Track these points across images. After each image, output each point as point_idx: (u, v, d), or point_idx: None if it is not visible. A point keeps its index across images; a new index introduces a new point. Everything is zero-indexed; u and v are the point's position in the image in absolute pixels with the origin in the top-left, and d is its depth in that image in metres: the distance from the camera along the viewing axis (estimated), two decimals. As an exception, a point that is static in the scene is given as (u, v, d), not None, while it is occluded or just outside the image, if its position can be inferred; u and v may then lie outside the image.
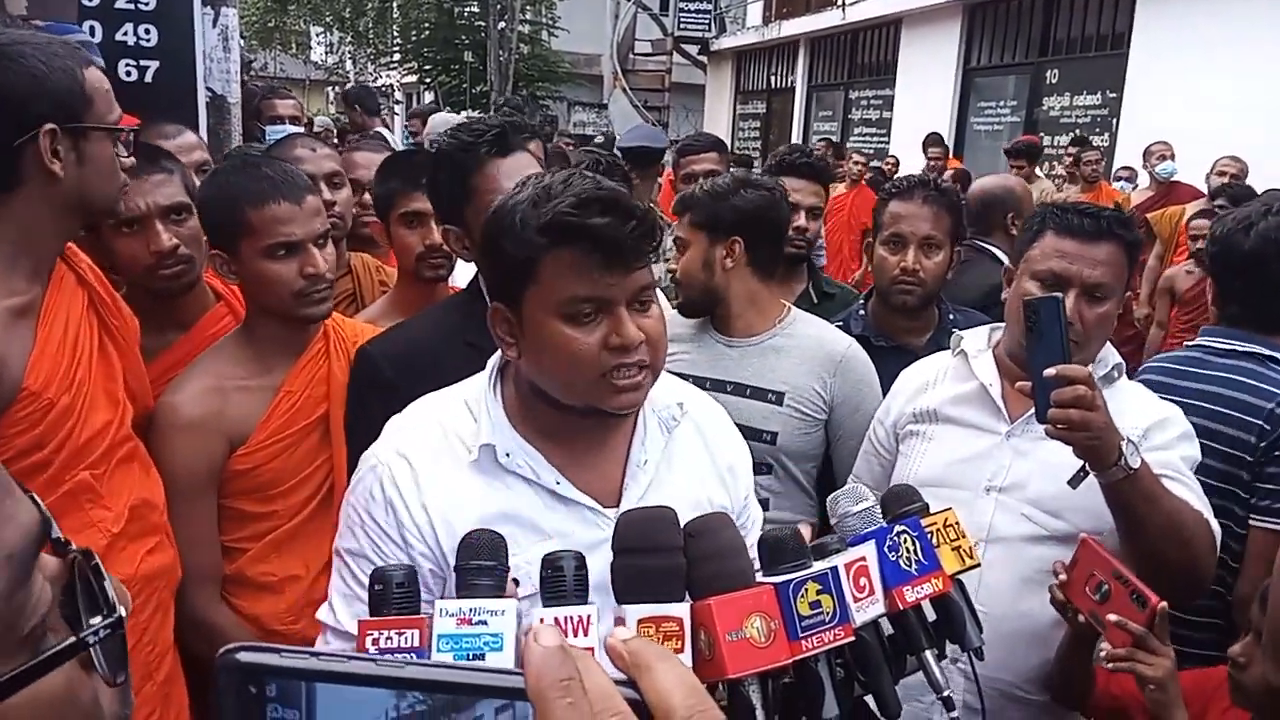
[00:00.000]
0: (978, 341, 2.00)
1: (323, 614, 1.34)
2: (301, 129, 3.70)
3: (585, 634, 0.94)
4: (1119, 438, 1.57)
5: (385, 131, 5.94)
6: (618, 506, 1.35)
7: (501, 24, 22.12)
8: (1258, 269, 2.15)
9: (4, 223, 1.58)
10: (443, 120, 5.36)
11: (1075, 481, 1.65)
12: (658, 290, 1.34)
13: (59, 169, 1.57)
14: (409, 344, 1.88)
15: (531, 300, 1.25)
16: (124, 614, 0.61)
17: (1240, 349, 2.17)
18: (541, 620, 0.94)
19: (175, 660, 1.85)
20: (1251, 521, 2.02)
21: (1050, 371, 1.58)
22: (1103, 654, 1.62)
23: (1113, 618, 1.53)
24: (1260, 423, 2.03)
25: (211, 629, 1.90)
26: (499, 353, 1.40)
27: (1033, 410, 1.67)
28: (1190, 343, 2.30)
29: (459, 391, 1.41)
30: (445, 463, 1.31)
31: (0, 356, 1.54)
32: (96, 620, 0.60)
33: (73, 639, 0.59)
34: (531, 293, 1.25)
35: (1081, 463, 1.62)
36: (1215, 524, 1.71)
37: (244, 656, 0.49)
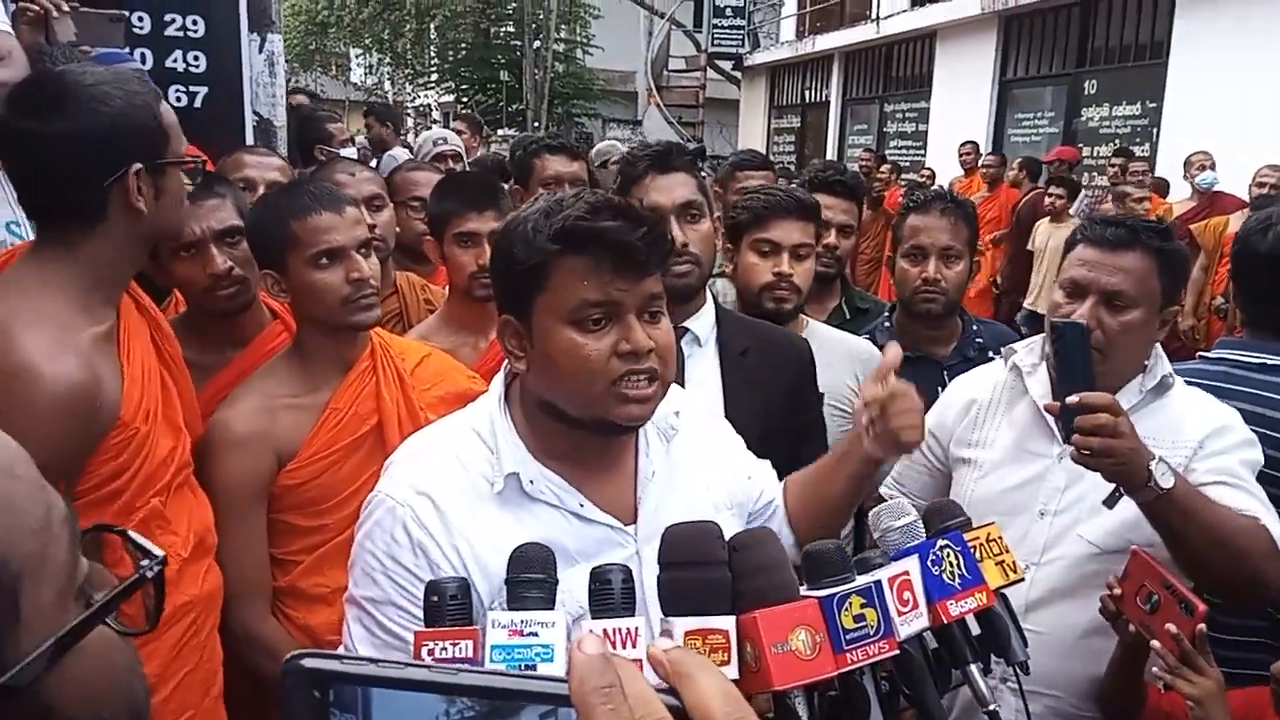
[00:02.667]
0: (1030, 355, 1.99)
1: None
2: (354, 151, 3.78)
3: (633, 645, 0.95)
4: (1148, 459, 1.57)
5: (404, 151, 5.96)
6: (634, 521, 1.36)
7: (537, 43, 22.33)
8: (1276, 269, 2.13)
9: (88, 255, 1.60)
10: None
11: (1110, 502, 1.65)
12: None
13: (143, 205, 1.60)
14: None
15: (541, 308, 1.26)
16: (164, 555, 0.71)
17: (1271, 363, 2.11)
18: (590, 631, 0.96)
19: (222, 679, 1.89)
20: None
21: (1073, 399, 1.59)
22: (1154, 670, 1.61)
23: (1170, 628, 1.53)
24: None
25: (262, 643, 1.95)
26: (498, 379, 1.41)
27: None
28: (1211, 354, 2.24)
29: (464, 420, 1.40)
30: (470, 498, 1.29)
31: (101, 380, 1.55)
32: (145, 562, 0.70)
33: (136, 576, 0.69)
34: (541, 301, 1.26)
35: (1115, 484, 1.62)
36: (1277, 529, 1.67)
37: (310, 662, 0.52)
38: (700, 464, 1.47)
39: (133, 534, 0.71)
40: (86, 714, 0.66)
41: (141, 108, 1.59)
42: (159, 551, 0.70)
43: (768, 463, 1.64)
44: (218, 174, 2.28)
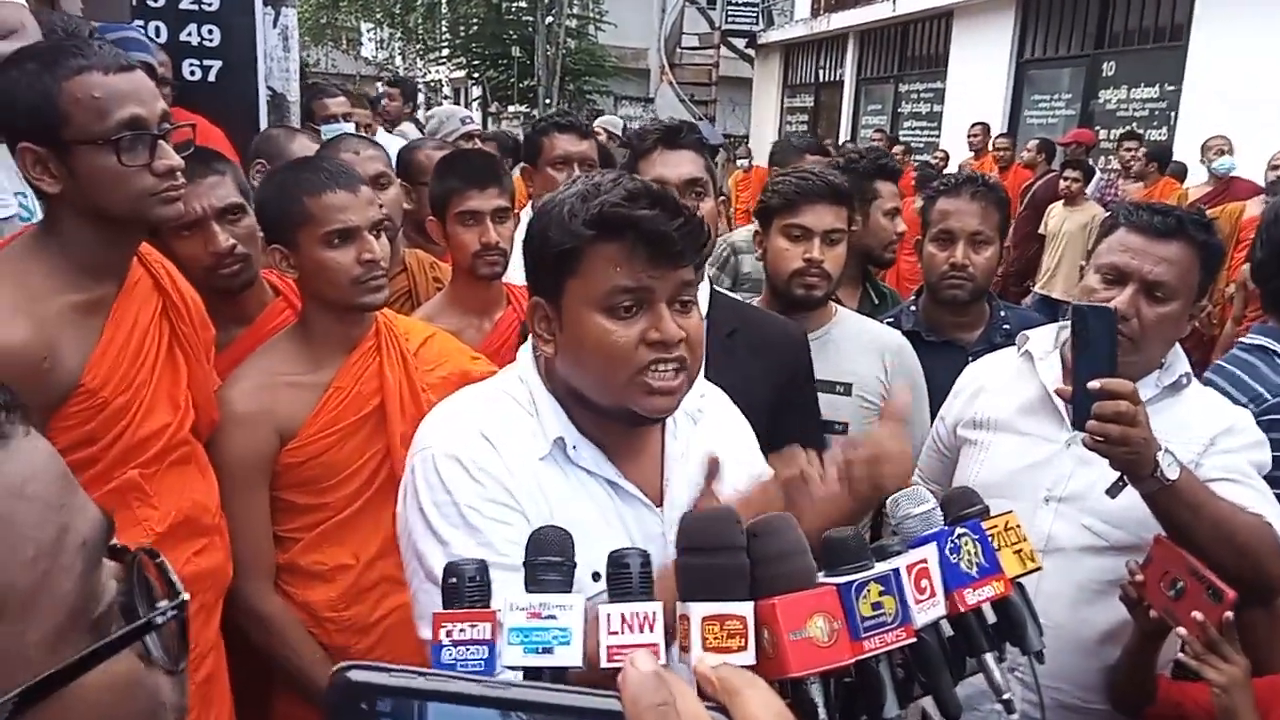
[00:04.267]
0: (1044, 342, 1.98)
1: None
2: (353, 126, 3.76)
3: (651, 630, 0.95)
4: (1156, 450, 1.56)
5: (412, 126, 5.94)
6: (661, 502, 1.37)
7: (549, 19, 22.18)
8: (1276, 252, 2.12)
9: (58, 230, 1.65)
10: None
11: (1114, 491, 1.64)
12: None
13: (49, 185, 1.59)
14: None
15: (572, 292, 1.26)
16: (186, 599, 0.64)
17: (1256, 342, 2.11)
18: (609, 616, 0.96)
19: (219, 659, 1.91)
20: None
21: (1095, 384, 1.58)
22: (1180, 655, 1.61)
23: (1196, 615, 1.53)
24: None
25: (264, 619, 1.97)
26: (525, 351, 1.42)
27: None
28: (1240, 339, 2.25)
29: (496, 388, 1.40)
30: (522, 455, 1.30)
31: (55, 351, 1.57)
32: (163, 604, 0.63)
33: (143, 620, 0.62)
34: (573, 285, 1.26)
35: (1120, 473, 1.62)
36: None
37: (355, 675, 0.51)
38: (724, 448, 1.47)
39: (168, 566, 0.66)
40: None
41: (29, 89, 1.54)
42: (184, 594, 0.64)
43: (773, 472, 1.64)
44: (216, 150, 2.26)
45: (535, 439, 1.33)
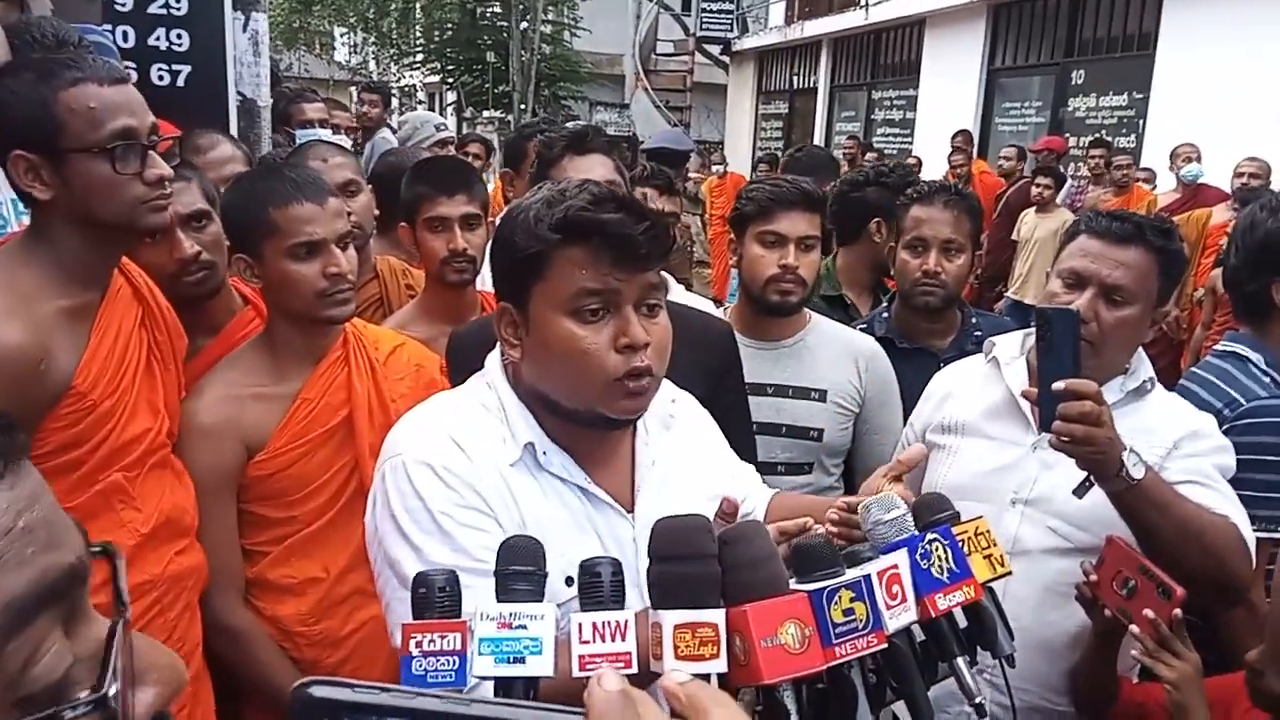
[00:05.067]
0: (1010, 348, 1.99)
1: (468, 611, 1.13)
2: (330, 132, 3.73)
3: (622, 639, 0.95)
4: (1122, 450, 1.58)
5: (389, 132, 5.89)
6: (632, 509, 1.37)
7: (524, 24, 22.18)
8: (1250, 258, 2.15)
9: (47, 236, 1.68)
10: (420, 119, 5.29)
11: (1080, 492, 1.66)
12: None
13: (40, 192, 1.63)
14: (488, 330, 1.97)
15: (539, 297, 1.26)
16: (113, 694, 0.56)
17: (1230, 349, 2.14)
18: (580, 625, 0.95)
19: (203, 660, 1.90)
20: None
21: (1059, 385, 1.59)
22: (1133, 653, 1.63)
23: (1147, 613, 1.55)
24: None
25: (234, 632, 1.94)
26: (494, 358, 1.41)
27: None
28: (1214, 347, 2.27)
29: (464, 395, 1.39)
30: (494, 462, 1.30)
31: (50, 353, 1.61)
32: (84, 694, 0.56)
33: (49, 710, 0.54)
34: (539, 289, 1.26)
35: (1086, 473, 1.63)
36: (1248, 530, 1.70)
37: (317, 691, 0.51)
38: (695, 454, 1.48)
39: (116, 653, 0.57)
40: None
41: (25, 99, 1.60)
42: (111, 688, 0.55)
43: (752, 468, 1.64)
44: (183, 157, 2.23)
45: (506, 445, 1.32)
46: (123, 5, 3.30)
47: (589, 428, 1.32)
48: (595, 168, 2.04)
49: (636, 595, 1.09)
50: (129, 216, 1.68)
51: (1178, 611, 1.54)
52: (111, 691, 0.56)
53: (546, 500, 1.31)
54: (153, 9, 3.33)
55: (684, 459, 1.46)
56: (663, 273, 1.36)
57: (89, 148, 1.61)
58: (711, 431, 1.60)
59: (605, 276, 1.23)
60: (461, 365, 1.98)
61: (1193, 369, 2.20)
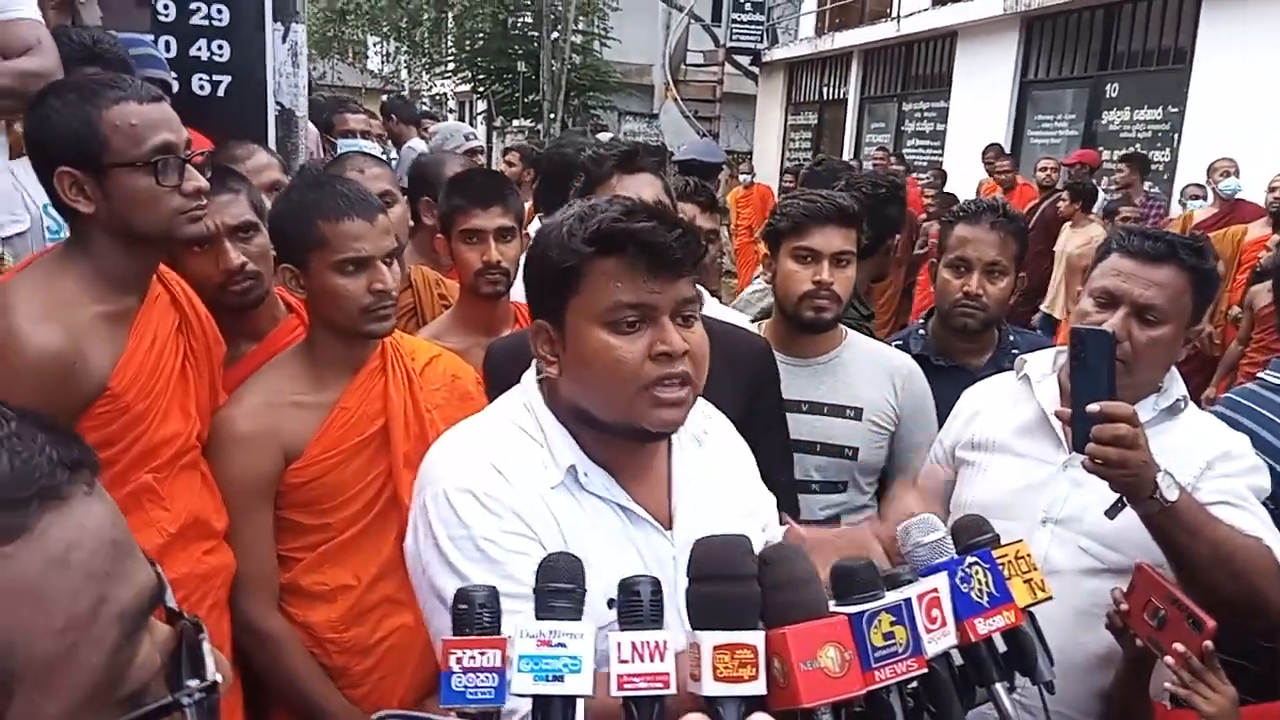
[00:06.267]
0: (1042, 366, 1.98)
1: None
2: (373, 143, 3.76)
3: (662, 659, 0.95)
4: (1155, 472, 1.56)
5: (417, 142, 5.93)
6: (670, 526, 1.37)
7: (555, 34, 22.28)
8: None
9: (81, 244, 1.77)
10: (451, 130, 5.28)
11: (1113, 513, 1.64)
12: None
13: (84, 206, 1.71)
14: (525, 342, 2.00)
15: (574, 311, 1.27)
16: (219, 680, 0.63)
17: None
18: (619, 644, 0.95)
19: (232, 661, 1.91)
20: None
21: (1094, 408, 1.58)
22: (1166, 685, 1.60)
23: (1178, 647, 1.53)
24: None
25: (267, 638, 1.96)
26: (529, 377, 1.41)
27: None
28: (1259, 375, 2.23)
29: (500, 417, 1.39)
30: (535, 485, 1.31)
31: (85, 355, 1.68)
32: (194, 683, 0.62)
33: (168, 698, 0.60)
34: (575, 303, 1.26)
35: (1119, 495, 1.62)
36: None
37: None
38: (729, 472, 1.48)
39: (207, 645, 0.64)
40: None
41: (71, 116, 1.68)
42: (217, 675, 0.63)
43: (773, 500, 1.63)
44: (232, 168, 2.27)
45: (546, 469, 1.32)
46: (165, 16, 3.35)
47: (627, 441, 1.32)
48: (643, 187, 1.98)
49: (675, 614, 1.09)
50: (168, 227, 1.76)
51: (1208, 644, 1.52)
52: (218, 678, 0.63)
53: (588, 520, 1.31)
54: (195, 20, 3.38)
55: (717, 476, 1.45)
56: (699, 286, 1.36)
57: (132, 162, 1.69)
58: (742, 450, 1.59)
59: (640, 288, 1.23)
60: (499, 377, 2.01)
61: (1252, 405, 2.09)
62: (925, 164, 13.42)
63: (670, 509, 1.38)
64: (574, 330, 1.27)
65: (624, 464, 1.35)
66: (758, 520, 1.49)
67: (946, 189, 9.61)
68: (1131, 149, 9.92)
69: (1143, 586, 1.62)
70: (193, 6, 3.36)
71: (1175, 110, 10.06)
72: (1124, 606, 1.63)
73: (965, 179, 10.56)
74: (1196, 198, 7.67)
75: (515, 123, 22.69)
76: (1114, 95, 11.20)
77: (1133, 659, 1.66)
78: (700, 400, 1.50)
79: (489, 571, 1.23)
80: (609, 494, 1.33)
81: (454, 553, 1.27)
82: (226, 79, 3.41)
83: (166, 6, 3.34)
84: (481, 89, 26.70)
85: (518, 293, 2.88)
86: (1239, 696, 1.56)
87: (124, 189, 1.70)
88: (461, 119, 26.15)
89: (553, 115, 21.48)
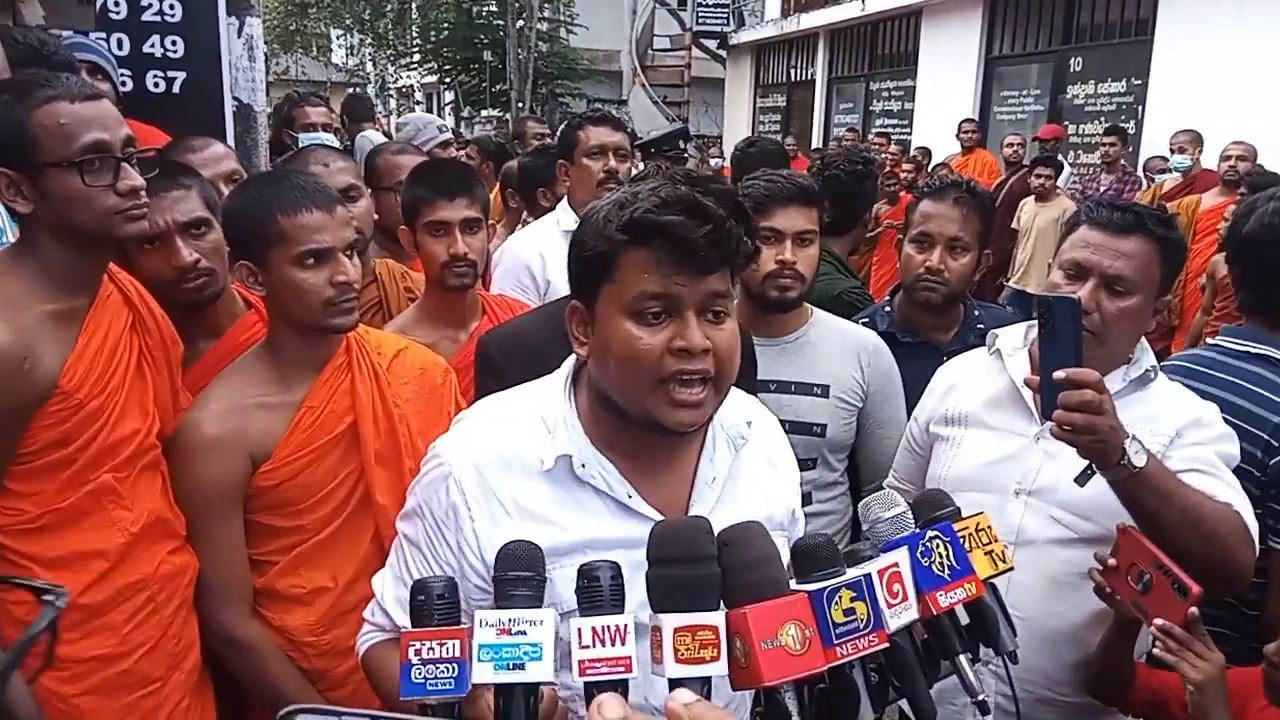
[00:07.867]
0: (1013, 340, 1.99)
1: (375, 582, 1.48)
2: (333, 137, 3.71)
3: (622, 643, 0.95)
4: (1123, 438, 1.58)
5: (372, 133, 5.84)
6: None
7: (520, 22, 22.14)
8: (1256, 253, 2.12)
9: (29, 244, 1.77)
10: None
11: (1082, 480, 1.65)
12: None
13: (21, 206, 1.71)
14: (516, 333, 2.09)
15: (605, 296, 1.27)
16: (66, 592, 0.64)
17: (1251, 350, 2.09)
18: (579, 630, 0.95)
19: (203, 663, 1.93)
20: (1270, 543, 1.94)
21: (1060, 374, 1.59)
22: (1155, 651, 1.62)
23: (1159, 622, 1.55)
24: (1266, 436, 1.97)
25: (247, 647, 1.93)
26: (570, 360, 1.41)
27: None
28: (1210, 341, 2.25)
29: (534, 398, 1.41)
30: (517, 471, 1.33)
31: (34, 353, 1.68)
32: (49, 596, 0.66)
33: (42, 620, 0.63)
34: (607, 289, 1.27)
35: (1088, 461, 1.63)
36: (1251, 518, 1.70)
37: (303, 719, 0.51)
38: (764, 479, 1.46)
39: (18, 579, 0.67)
40: None
41: (4, 116, 1.68)
42: (63, 588, 0.63)
43: (803, 519, 1.60)
44: (183, 164, 2.23)
45: (541, 453, 1.33)
46: (116, 13, 3.30)
47: (647, 433, 1.30)
48: (606, 136, 2.92)
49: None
50: (104, 226, 1.74)
51: (1194, 610, 1.53)
52: (65, 590, 0.65)
53: (579, 513, 1.31)
54: (147, 16, 3.33)
55: (748, 482, 1.43)
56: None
57: (60, 162, 1.68)
58: (784, 461, 1.55)
59: (667, 280, 1.22)
60: (487, 368, 2.02)
61: (1218, 374, 2.10)
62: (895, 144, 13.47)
63: (687, 508, 1.36)
64: (603, 316, 1.28)
65: (644, 456, 1.35)
66: (782, 536, 1.43)
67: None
68: (1097, 122, 9.99)
69: (1127, 549, 1.63)
70: (144, 3, 3.31)
71: (1139, 83, 10.14)
72: (1111, 562, 1.65)
73: (946, 156, 10.59)
74: (1162, 171, 7.75)
75: (484, 113, 22.53)
76: (1078, 69, 11.28)
77: (1120, 622, 1.68)
78: (747, 401, 1.51)
79: (411, 534, 1.41)
80: (609, 489, 1.32)
81: (412, 496, 1.42)
82: (181, 75, 3.37)
83: (117, 3, 3.29)
84: (448, 80, 26.52)
85: (501, 285, 2.93)
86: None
87: (57, 189, 1.69)
88: (429, 110, 25.99)
89: (520, 104, 21.37)
